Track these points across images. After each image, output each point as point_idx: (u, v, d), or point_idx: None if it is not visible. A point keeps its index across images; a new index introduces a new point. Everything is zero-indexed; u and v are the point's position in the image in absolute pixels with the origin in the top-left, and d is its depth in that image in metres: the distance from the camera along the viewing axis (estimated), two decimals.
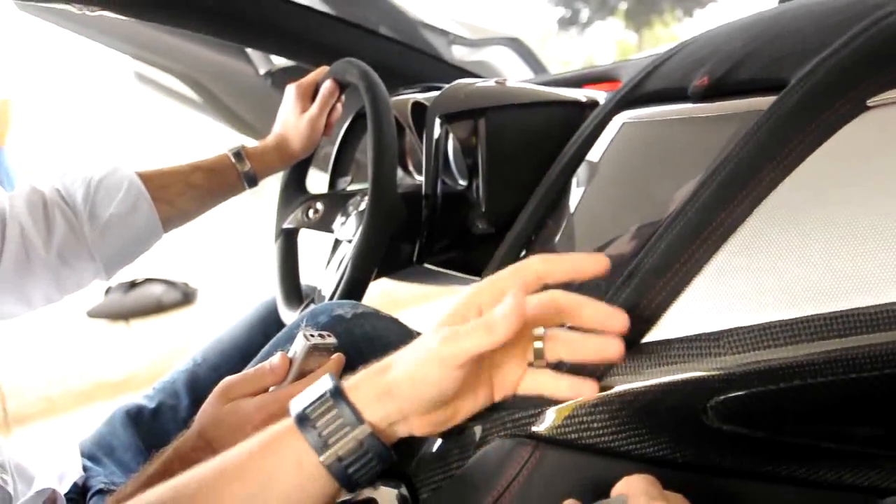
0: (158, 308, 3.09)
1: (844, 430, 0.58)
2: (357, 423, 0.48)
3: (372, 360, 0.75)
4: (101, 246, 0.90)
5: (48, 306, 0.92)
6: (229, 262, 3.45)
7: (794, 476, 0.58)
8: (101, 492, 0.79)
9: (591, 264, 0.51)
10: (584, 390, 0.51)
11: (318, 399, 0.49)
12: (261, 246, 3.05)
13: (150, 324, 3.04)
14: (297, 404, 0.49)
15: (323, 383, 0.50)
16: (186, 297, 3.17)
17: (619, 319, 0.49)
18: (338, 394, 0.49)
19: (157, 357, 2.65)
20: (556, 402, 0.55)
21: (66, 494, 0.78)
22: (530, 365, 0.52)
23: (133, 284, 3.09)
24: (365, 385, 0.50)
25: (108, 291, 3.11)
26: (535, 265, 0.50)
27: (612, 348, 0.49)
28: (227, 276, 3.31)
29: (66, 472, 0.81)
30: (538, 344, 0.51)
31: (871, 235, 0.52)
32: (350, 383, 0.50)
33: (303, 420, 0.48)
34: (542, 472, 0.54)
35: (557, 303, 0.49)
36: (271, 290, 1.09)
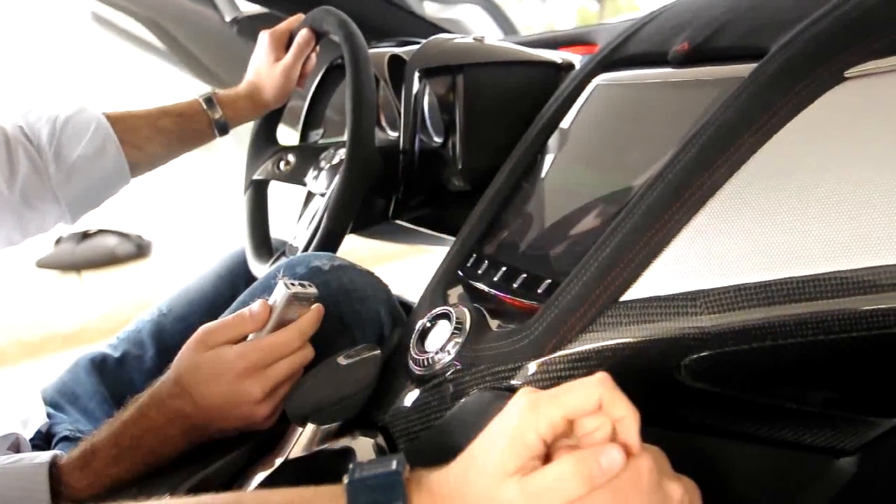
0: (111, 260, 3.01)
1: (807, 391, 0.60)
2: None
3: (348, 312, 0.75)
4: (67, 188, 0.87)
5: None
6: (183, 217, 3.39)
7: (757, 435, 0.61)
8: (66, 438, 0.78)
9: None
10: None
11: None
12: (215, 203, 3.00)
13: (103, 276, 2.97)
14: (357, 499, 0.45)
15: (390, 486, 0.45)
16: (140, 250, 3.10)
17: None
18: None
19: (109, 310, 2.60)
20: (534, 356, 0.56)
21: (30, 440, 0.77)
22: None
23: (85, 235, 3.00)
24: None
25: (58, 241, 3.01)
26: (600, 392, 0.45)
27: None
28: (182, 232, 3.25)
29: (29, 419, 0.79)
30: None
31: (844, 203, 0.53)
32: (420, 495, 0.45)
33: None
34: None
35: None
36: (238, 242, 1.08)
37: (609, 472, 0.42)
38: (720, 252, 0.55)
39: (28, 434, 0.77)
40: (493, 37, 1.61)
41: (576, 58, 1.04)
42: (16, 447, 0.74)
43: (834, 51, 0.58)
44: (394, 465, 0.45)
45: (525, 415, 0.43)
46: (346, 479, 0.45)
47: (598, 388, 0.44)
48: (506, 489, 0.42)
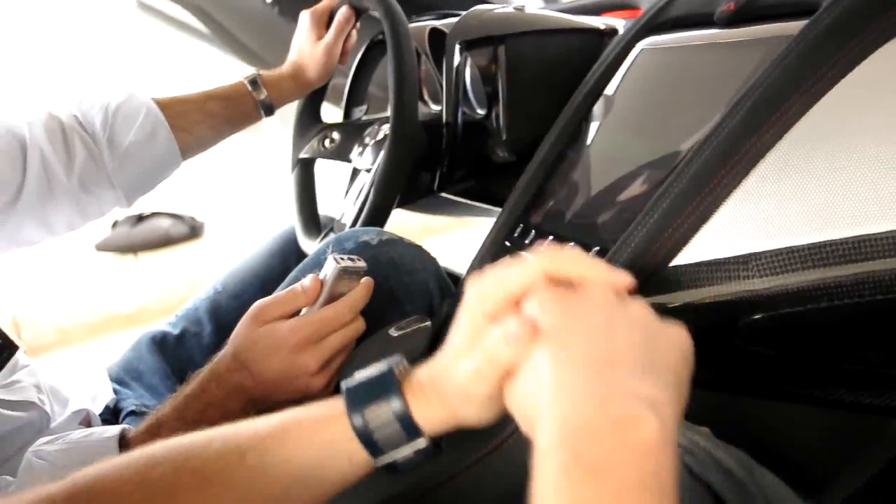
0: (166, 241, 3.08)
1: (865, 352, 0.59)
2: (416, 436, 0.46)
3: (397, 285, 0.76)
4: (121, 174, 0.90)
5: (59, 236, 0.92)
6: (234, 198, 3.45)
7: (814, 396, 0.60)
8: (133, 413, 0.81)
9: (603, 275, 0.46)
10: None
11: (376, 403, 0.46)
12: (264, 183, 3.04)
13: (158, 257, 3.05)
14: (354, 401, 0.46)
15: (383, 383, 0.47)
16: (194, 230, 3.16)
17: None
18: (401, 409, 0.45)
19: (166, 290, 2.67)
20: None
21: (99, 415, 0.80)
22: None
23: (140, 218, 3.08)
24: (429, 408, 0.46)
25: (115, 225, 3.10)
26: (542, 265, 0.44)
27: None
28: (233, 212, 3.31)
29: (98, 395, 0.83)
30: None
31: None
32: (413, 392, 0.46)
33: (359, 424, 0.45)
34: None
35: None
36: (288, 220, 1.10)
37: (520, 334, 0.42)
38: (771, 215, 0.54)
39: (97, 409, 0.81)
40: (534, 5, 1.59)
41: (619, 23, 1.02)
42: (87, 422, 0.78)
43: (886, 4, 0.56)
44: (385, 365, 0.48)
45: (472, 300, 0.45)
46: (343, 386, 0.47)
47: (538, 263, 0.43)
48: (461, 364, 0.45)
